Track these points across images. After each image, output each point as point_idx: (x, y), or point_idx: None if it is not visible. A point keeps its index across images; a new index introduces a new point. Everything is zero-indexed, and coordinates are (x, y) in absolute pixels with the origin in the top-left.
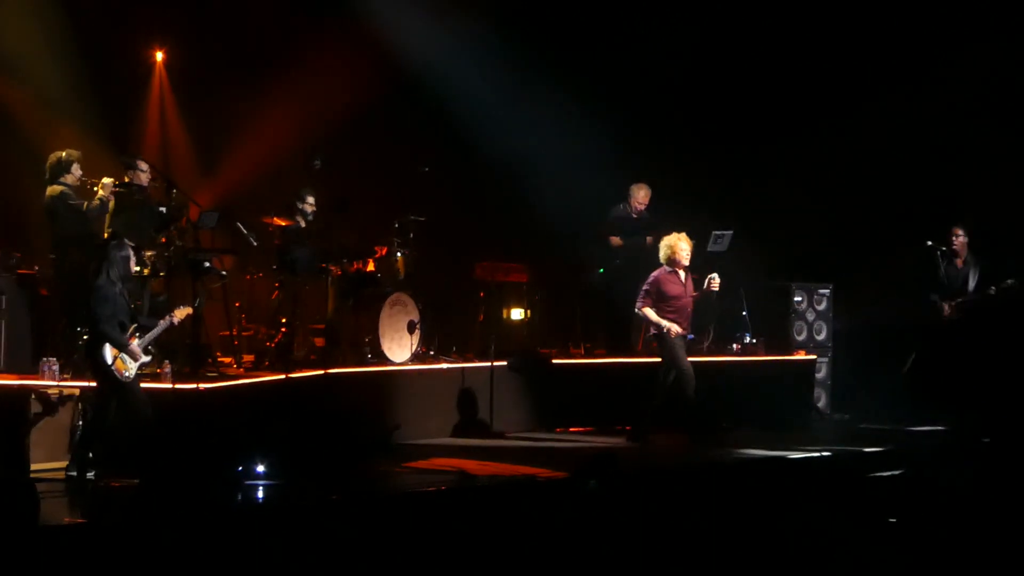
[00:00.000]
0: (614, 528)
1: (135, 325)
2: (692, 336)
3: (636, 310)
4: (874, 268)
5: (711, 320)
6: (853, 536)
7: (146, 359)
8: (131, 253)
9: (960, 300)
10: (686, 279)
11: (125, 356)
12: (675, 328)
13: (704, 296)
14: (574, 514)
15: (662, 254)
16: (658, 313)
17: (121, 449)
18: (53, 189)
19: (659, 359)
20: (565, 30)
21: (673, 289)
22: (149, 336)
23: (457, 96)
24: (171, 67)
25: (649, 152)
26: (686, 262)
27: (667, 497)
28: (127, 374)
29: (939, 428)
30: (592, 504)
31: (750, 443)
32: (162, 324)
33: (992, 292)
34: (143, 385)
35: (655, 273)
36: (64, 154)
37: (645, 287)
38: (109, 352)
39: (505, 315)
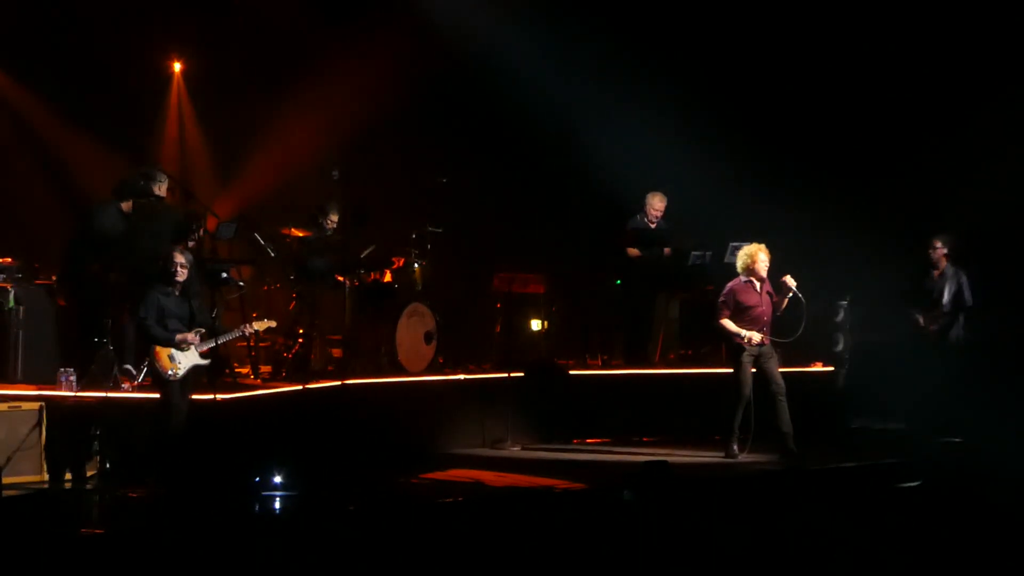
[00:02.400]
0: (653, 539)
1: (202, 330)
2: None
3: (715, 323)
4: (887, 281)
5: (801, 320)
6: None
7: (202, 362)
8: (184, 260)
9: (934, 313)
10: (762, 289)
11: (175, 354)
12: (755, 336)
13: (784, 296)
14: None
15: (740, 263)
16: (737, 323)
17: (141, 456)
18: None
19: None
20: (580, 33)
21: (750, 299)
22: (214, 341)
23: (475, 107)
24: (189, 77)
25: (669, 161)
26: (764, 273)
27: (709, 508)
28: (171, 372)
29: (956, 440)
30: (628, 515)
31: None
32: (234, 332)
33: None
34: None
35: (730, 284)
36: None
37: (721, 299)
38: (157, 351)
39: (522, 326)
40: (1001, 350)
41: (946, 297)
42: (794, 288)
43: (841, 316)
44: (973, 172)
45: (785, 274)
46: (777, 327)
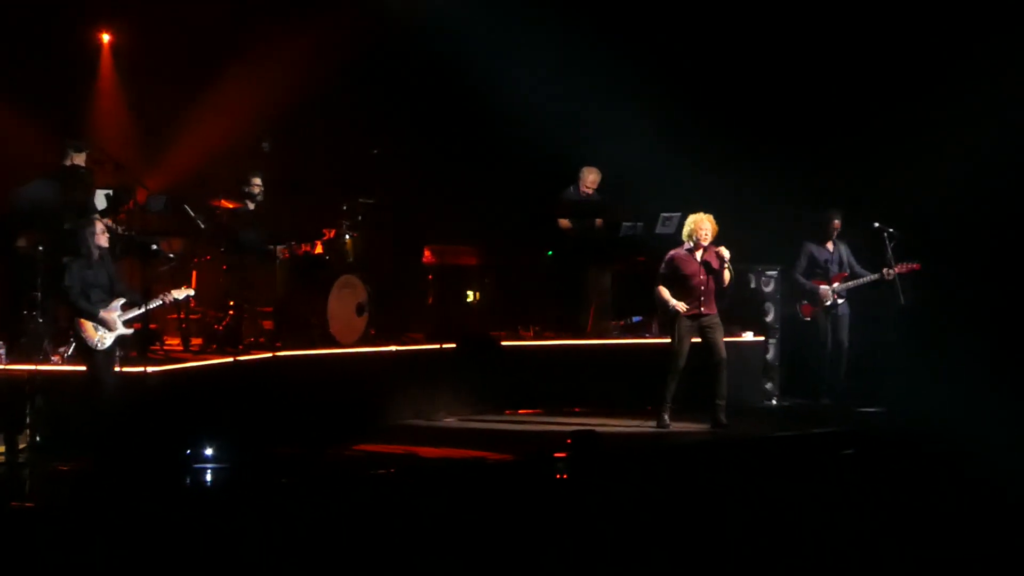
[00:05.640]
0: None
1: (123, 300)
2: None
3: (654, 290)
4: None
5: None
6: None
7: (127, 331)
8: (100, 230)
9: (839, 283)
10: (704, 259)
11: (98, 324)
12: (681, 305)
13: (720, 268)
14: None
15: (685, 231)
16: (672, 292)
17: (72, 429)
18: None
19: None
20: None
21: (688, 268)
22: (137, 309)
23: (408, 78)
24: (119, 49)
25: (602, 132)
26: (706, 241)
27: (640, 478)
28: (96, 341)
29: (881, 409)
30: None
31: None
32: (156, 301)
33: (888, 275)
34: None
35: (672, 252)
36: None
37: (661, 267)
38: (81, 322)
39: (455, 298)
40: (924, 317)
41: (846, 266)
42: (727, 260)
43: (772, 286)
44: (908, 148)
45: (719, 245)
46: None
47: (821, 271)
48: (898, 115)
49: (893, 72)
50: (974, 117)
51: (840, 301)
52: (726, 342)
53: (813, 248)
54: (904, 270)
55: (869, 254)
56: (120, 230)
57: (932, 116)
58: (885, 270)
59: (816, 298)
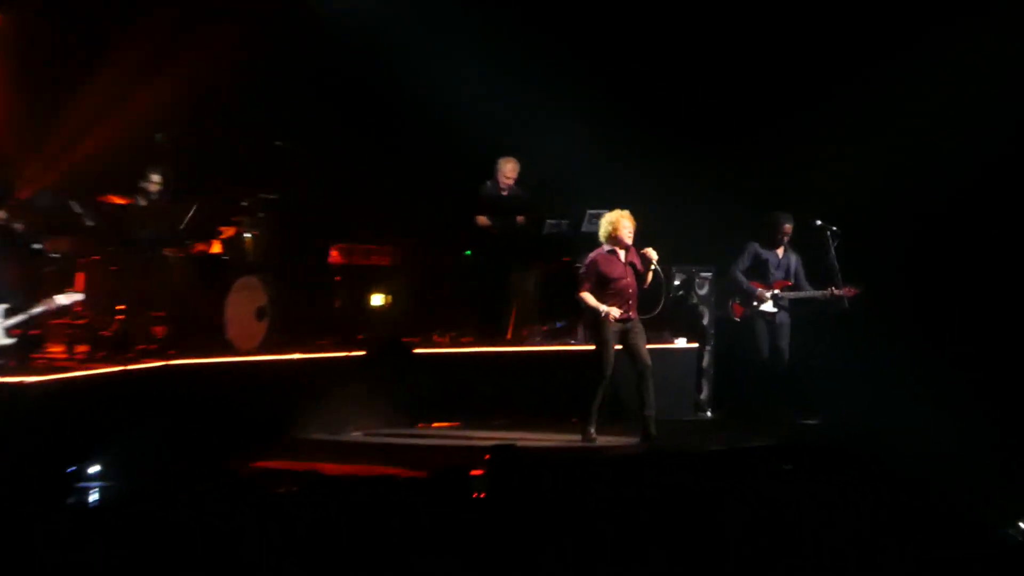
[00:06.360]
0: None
1: (5, 305)
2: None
3: (577, 296)
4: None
5: (661, 294)
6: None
7: (8, 341)
8: None
9: (780, 291)
10: (627, 260)
11: None
12: (615, 311)
13: (647, 269)
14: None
15: (602, 232)
16: (597, 297)
17: None
18: None
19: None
20: None
21: (613, 270)
22: (21, 317)
23: (318, 68)
24: (3, 34)
25: (524, 125)
26: (628, 240)
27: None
28: None
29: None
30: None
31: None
32: (40, 307)
33: (832, 295)
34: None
35: (592, 254)
36: None
37: (583, 270)
38: None
39: (365, 301)
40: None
41: (792, 274)
42: (655, 261)
43: (706, 289)
44: (844, 144)
45: (647, 246)
46: (638, 301)
47: (763, 275)
48: (829, 107)
49: (825, 63)
50: (905, 110)
51: (776, 310)
52: (659, 349)
53: (759, 249)
54: (850, 293)
55: (811, 254)
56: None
57: (865, 108)
58: (831, 289)
59: (750, 299)
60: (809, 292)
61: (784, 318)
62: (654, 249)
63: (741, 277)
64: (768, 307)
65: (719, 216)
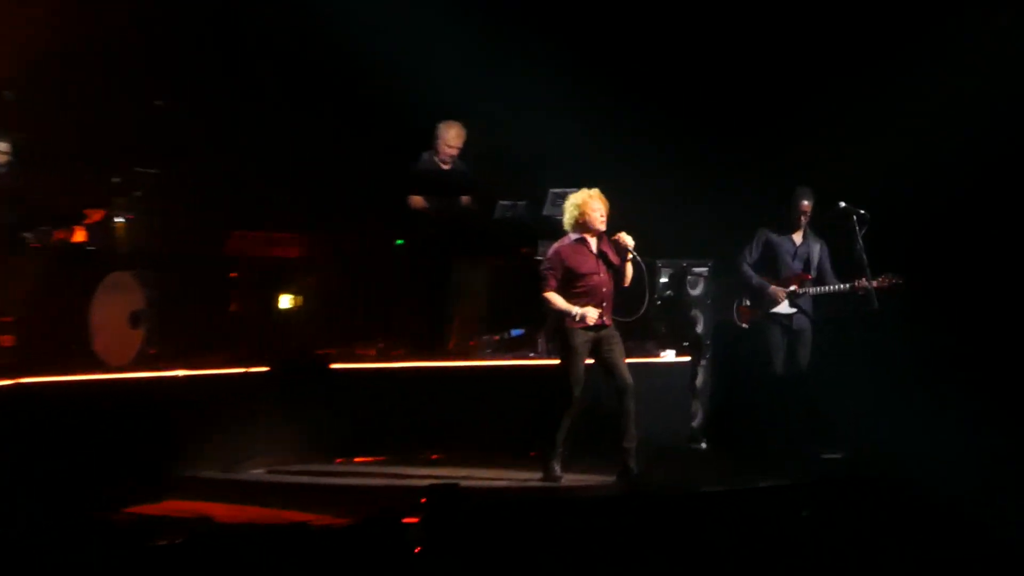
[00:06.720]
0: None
1: None
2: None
3: (542, 296)
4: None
5: (644, 292)
6: None
7: None
8: None
9: (799, 287)
10: (599, 251)
11: None
12: (591, 313)
13: (623, 260)
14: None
15: (567, 217)
16: (566, 297)
17: None
18: None
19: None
20: None
21: (582, 264)
22: None
23: (209, 8)
24: None
25: (472, 88)
26: (601, 227)
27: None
28: None
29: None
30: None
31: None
32: None
33: (861, 288)
34: None
35: (556, 245)
36: None
37: (546, 264)
38: None
39: (269, 303)
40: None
41: (815, 267)
42: (631, 248)
43: (701, 288)
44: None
45: (620, 230)
46: (615, 303)
47: (777, 268)
48: (849, 85)
49: (843, 40)
50: (924, 92)
51: (794, 311)
52: (641, 364)
53: (772, 236)
54: (885, 284)
55: (834, 243)
56: None
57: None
58: (858, 281)
59: (762, 300)
60: (835, 286)
61: (804, 322)
62: (628, 234)
63: (749, 272)
64: (784, 308)
65: (717, 198)
